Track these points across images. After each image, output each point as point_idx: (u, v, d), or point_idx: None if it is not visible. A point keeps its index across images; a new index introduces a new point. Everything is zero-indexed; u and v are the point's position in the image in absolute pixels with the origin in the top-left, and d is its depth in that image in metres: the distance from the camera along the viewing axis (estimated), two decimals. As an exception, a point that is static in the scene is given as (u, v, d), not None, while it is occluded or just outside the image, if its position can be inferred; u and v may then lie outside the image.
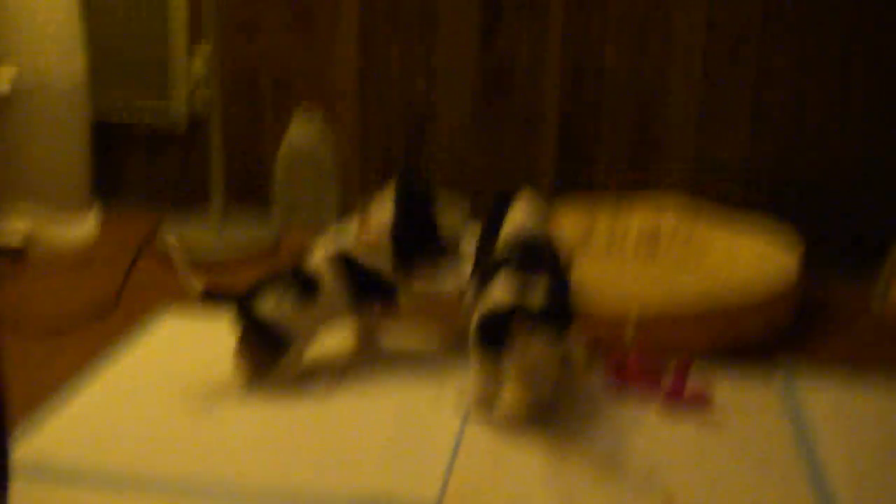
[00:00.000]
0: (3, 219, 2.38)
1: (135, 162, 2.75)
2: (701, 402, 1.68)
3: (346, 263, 1.78)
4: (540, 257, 1.70)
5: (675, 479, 1.49)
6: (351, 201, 2.53)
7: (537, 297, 1.57)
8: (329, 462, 1.52)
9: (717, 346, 1.86)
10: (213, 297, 1.73)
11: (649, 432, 1.63)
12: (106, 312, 2.07)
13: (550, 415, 1.67)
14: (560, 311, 1.61)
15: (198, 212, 2.64)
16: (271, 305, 1.72)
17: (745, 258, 2.11)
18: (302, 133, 2.50)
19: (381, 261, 1.79)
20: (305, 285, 1.75)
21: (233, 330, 1.74)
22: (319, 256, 1.79)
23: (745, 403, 1.72)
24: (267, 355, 1.74)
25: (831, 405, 1.72)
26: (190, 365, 1.83)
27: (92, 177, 2.56)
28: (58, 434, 1.59)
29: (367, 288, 1.80)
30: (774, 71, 2.35)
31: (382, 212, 1.83)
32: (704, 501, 1.45)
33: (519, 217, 1.77)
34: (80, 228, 2.49)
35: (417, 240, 1.81)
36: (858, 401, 1.74)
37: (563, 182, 2.51)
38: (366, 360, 1.85)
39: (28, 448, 1.54)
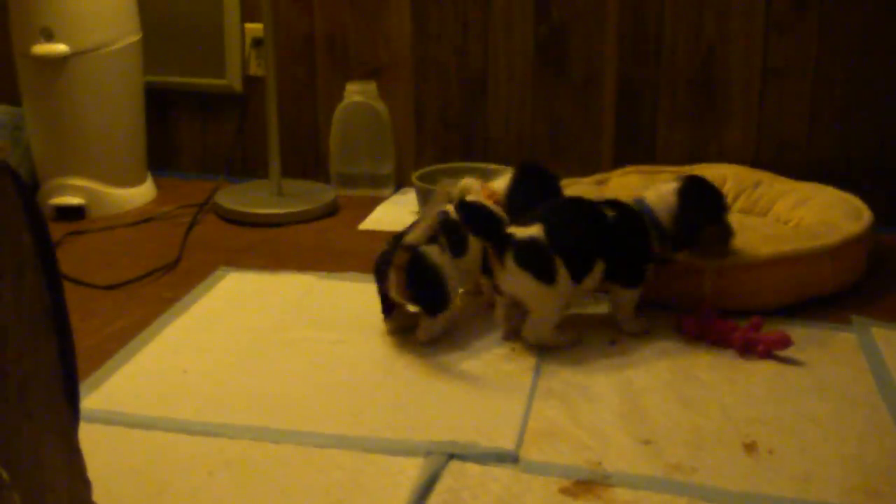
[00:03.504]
0: (64, 179, 2.38)
1: (190, 127, 2.75)
2: (782, 345, 1.65)
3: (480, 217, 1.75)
4: None
5: (756, 418, 1.48)
6: (406, 172, 2.52)
7: None
8: (404, 410, 1.51)
9: (791, 295, 1.83)
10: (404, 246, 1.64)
11: (728, 374, 1.61)
12: (170, 266, 2.08)
13: (626, 356, 1.67)
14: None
15: (253, 176, 2.64)
16: (437, 256, 1.68)
17: (816, 205, 2.07)
18: (357, 96, 2.49)
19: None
20: (458, 235, 1.72)
21: (400, 276, 1.65)
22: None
23: (823, 348, 1.70)
24: (433, 304, 1.69)
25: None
26: (256, 318, 1.83)
27: (148, 140, 2.56)
28: (130, 382, 1.60)
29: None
30: (837, 35, 2.30)
31: (501, 182, 1.84)
32: (788, 437, 1.43)
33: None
34: (137, 189, 2.50)
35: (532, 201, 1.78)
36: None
37: (623, 150, 2.47)
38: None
39: (101, 395, 1.55)
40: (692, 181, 1.78)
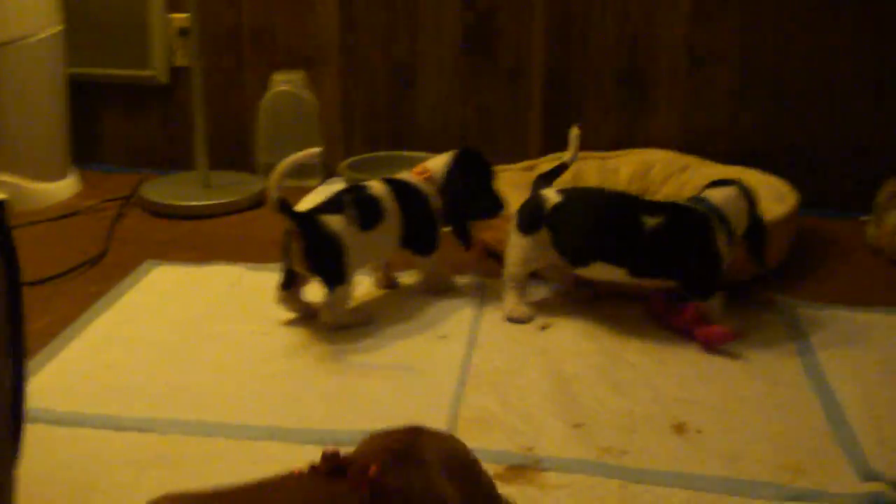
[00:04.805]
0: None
1: (115, 119, 2.71)
2: (729, 339, 1.65)
3: (404, 191, 1.80)
4: None
5: (685, 399, 1.50)
6: (335, 161, 2.50)
7: None
8: (336, 400, 1.51)
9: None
10: (287, 209, 1.68)
11: (658, 356, 1.63)
12: (95, 260, 2.04)
13: (556, 342, 1.68)
14: None
15: (179, 168, 2.61)
16: (338, 224, 1.69)
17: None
18: (284, 86, 2.47)
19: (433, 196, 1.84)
20: (369, 209, 1.75)
21: (299, 245, 1.68)
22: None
23: (749, 330, 1.72)
24: (329, 274, 1.70)
25: (833, 330, 1.73)
26: (184, 310, 1.81)
27: (72, 133, 2.52)
28: (56, 379, 1.57)
29: (421, 219, 1.82)
30: (761, 23, 2.33)
31: (437, 162, 1.87)
32: (717, 418, 1.45)
33: None
34: (61, 183, 2.45)
35: (468, 194, 1.85)
36: (859, 325, 1.75)
37: (551, 137, 2.48)
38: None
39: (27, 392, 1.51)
40: (744, 185, 1.74)
